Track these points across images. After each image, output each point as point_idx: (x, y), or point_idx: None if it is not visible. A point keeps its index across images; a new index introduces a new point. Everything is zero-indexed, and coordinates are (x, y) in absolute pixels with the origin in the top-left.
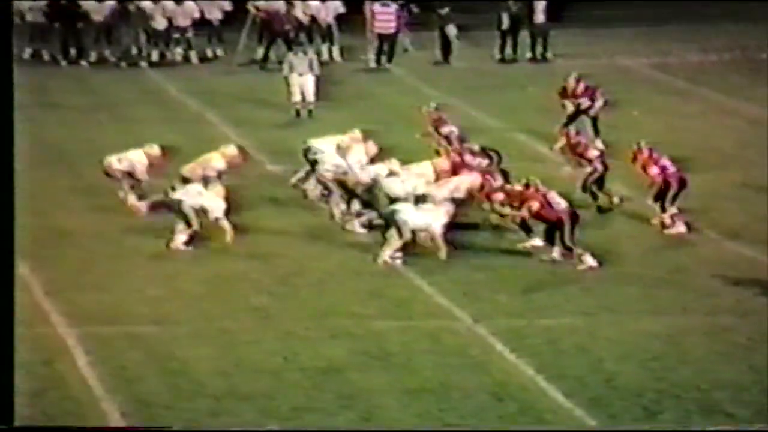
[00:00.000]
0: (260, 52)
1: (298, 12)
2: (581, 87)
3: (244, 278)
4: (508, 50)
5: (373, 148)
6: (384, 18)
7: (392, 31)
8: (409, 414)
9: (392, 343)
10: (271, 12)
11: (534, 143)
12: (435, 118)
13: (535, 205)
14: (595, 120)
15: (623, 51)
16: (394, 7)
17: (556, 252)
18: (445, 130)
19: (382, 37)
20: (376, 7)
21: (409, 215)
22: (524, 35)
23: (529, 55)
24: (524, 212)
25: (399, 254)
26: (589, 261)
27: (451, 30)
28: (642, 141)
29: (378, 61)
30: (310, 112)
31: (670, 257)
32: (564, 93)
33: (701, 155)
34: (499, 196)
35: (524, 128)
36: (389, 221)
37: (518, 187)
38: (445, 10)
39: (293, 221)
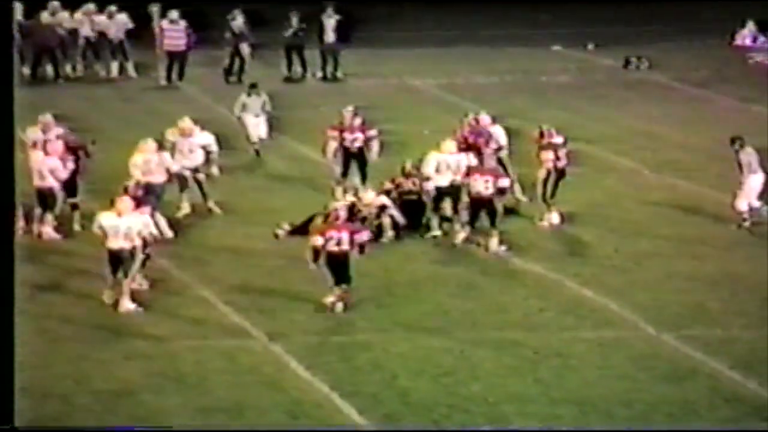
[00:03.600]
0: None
1: (86, 29)
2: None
3: (30, 301)
4: (299, 69)
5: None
6: (173, 35)
7: (182, 48)
8: None
9: (187, 363)
10: (35, 27)
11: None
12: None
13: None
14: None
15: (412, 71)
16: (183, 24)
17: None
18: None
19: (171, 55)
20: (165, 23)
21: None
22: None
23: (320, 74)
24: None
25: None
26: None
27: (245, 48)
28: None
29: (168, 78)
30: (257, 151)
31: (460, 274)
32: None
33: None
34: None
35: (318, 147)
36: None
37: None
38: (239, 27)
39: (83, 244)
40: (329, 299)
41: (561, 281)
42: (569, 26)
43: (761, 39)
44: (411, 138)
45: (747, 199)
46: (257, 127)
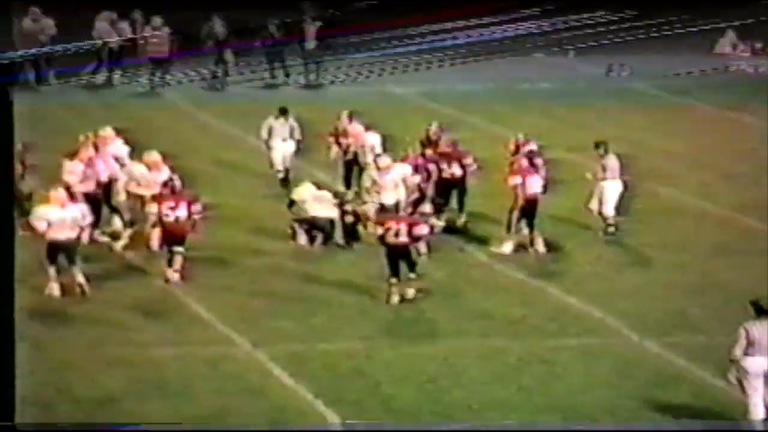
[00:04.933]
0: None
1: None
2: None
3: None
4: (282, 76)
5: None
6: (156, 41)
7: (165, 54)
8: None
9: (170, 370)
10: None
11: (312, 169)
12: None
13: None
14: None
15: (394, 79)
16: (166, 30)
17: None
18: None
19: (154, 61)
20: (148, 30)
21: None
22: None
23: (302, 80)
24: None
25: None
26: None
27: (229, 55)
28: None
29: (152, 86)
30: (282, 180)
31: (444, 281)
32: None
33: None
34: None
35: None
36: None
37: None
38: (222, 33)
39: None
40: (388, 291)
41: (544, 288)
42: (551, 33)
43: (741, 47)
44: (393, 144)
45: (608, 205)
46: (283, 153)
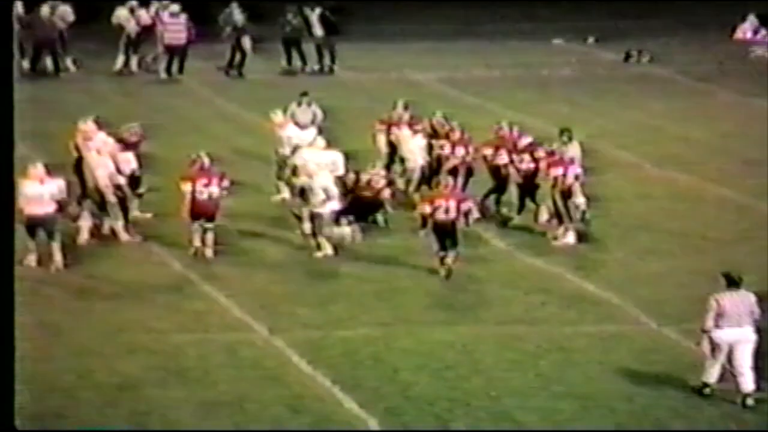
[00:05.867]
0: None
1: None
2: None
3: (37, 294)
4: (298, 63)
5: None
6: (174, 29)
7: (182, 42)
8: (204, 428)
9: (189, 357)
10: (34, 20)
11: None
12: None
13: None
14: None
15: (413, 65)
16: (183, 17)
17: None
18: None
19: (172, 48)
20: (166, 17)
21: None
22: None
23: (316, 67)
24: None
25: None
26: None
27: (247, 42)
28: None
29: (169, 72)
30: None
31: (462, 268)
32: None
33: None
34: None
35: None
36: None
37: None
38: (240, 20)
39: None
40: (437, 265)
41: (562, 275)
42: (570, 20)
43: (762, 32)
44: None
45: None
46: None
